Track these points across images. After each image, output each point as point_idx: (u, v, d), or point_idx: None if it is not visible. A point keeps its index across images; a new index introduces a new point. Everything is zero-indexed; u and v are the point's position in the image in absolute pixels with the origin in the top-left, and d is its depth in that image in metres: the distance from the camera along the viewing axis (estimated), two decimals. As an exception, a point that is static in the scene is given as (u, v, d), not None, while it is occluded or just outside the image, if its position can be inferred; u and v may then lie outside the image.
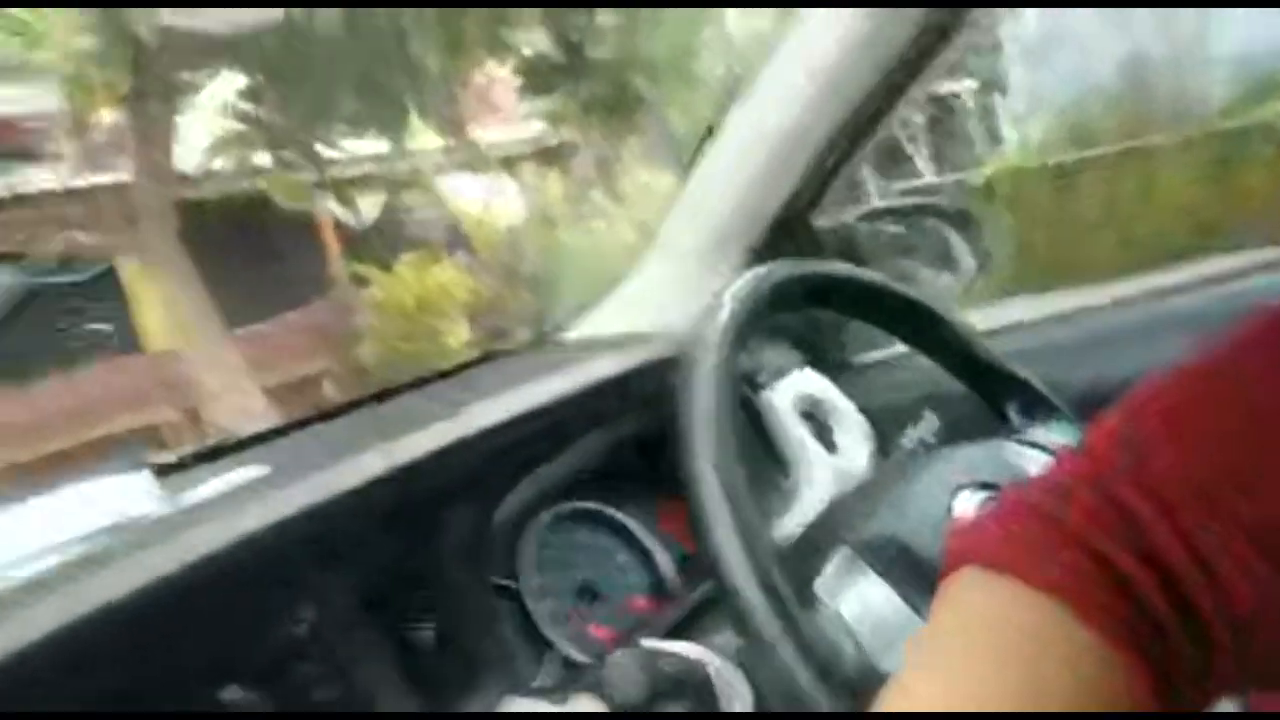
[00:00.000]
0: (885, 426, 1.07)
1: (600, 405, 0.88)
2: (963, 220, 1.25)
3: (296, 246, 6.93)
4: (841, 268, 0.72)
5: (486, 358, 1.07)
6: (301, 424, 0.96)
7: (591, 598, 0.88)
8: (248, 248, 6.53)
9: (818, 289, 0.70)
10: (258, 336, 6.15)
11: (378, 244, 6.91)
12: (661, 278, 1.09)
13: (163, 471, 0.75)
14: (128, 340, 6.21)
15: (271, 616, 0.61)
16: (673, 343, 0.92)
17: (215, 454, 0.84)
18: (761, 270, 0.66)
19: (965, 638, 0.36)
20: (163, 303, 5.69)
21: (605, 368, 0.88)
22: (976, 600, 0.37)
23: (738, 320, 0.60)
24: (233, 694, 0.59)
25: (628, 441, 0.94)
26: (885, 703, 0.36)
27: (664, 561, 0.92)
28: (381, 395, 1.00)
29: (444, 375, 1.05)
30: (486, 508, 0.76)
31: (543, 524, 0.87)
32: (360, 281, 6.80)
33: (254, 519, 0.58)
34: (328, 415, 0.96)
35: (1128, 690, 0.34)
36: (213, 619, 0.58)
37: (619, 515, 0.93)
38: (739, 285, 0.64)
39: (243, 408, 5.13)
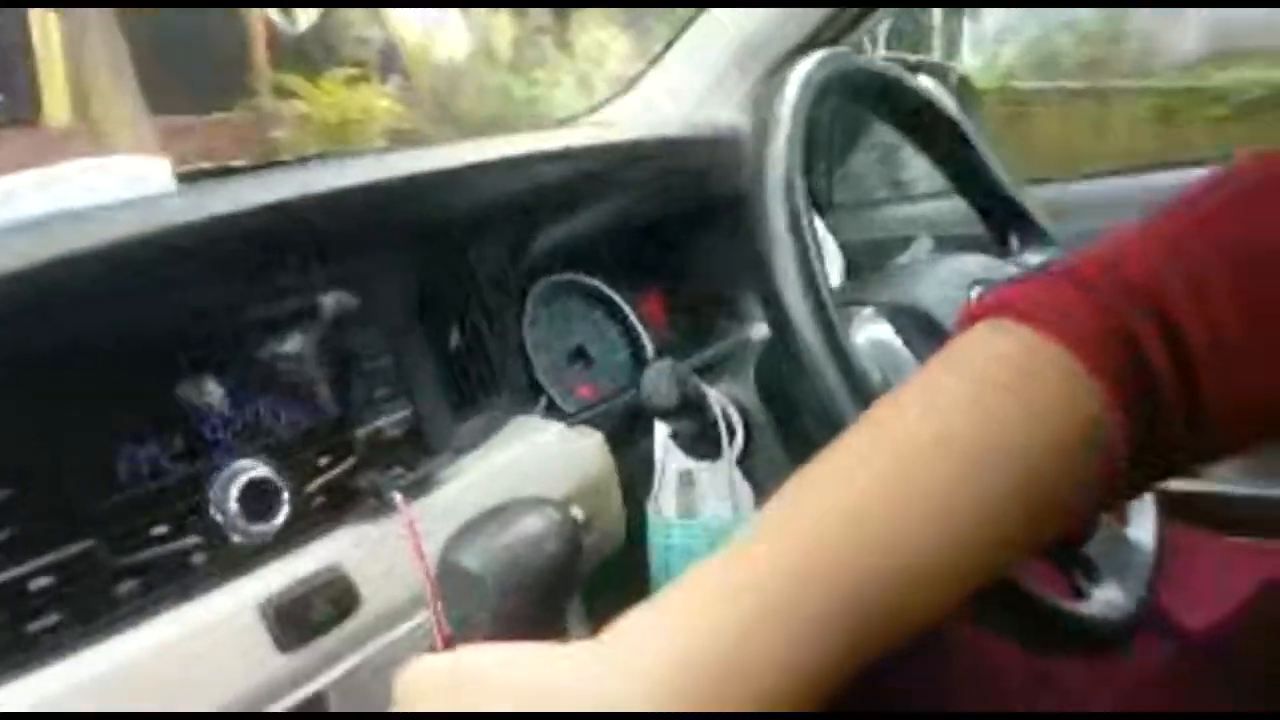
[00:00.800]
0: (867, 260, 1.13)
1: (610, 177, 0.87)
2: (963, 89, 1.30)
3: (228, 47, 6.49)
4: (895, 70, 0.75)
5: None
6: (311, 157, 0.94)
7: (584, 362, 0.92)
8: (176, 40, 6.07)
9: (871, 86, 0.73)
10: (177, 129, 5.79)
11: (309, 56, 6.54)
12: (662, 94, 1.10)
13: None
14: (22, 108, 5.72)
15: (314, 286, 0.61)
16: (693, 128, 0.93)
17: (225, 172, 0.82)
18: (827, 53, 0.68)
19: (962, 368, 0.38)
20: (81, 75, 5.25)
21: (625, 139, 0.87)
22: (979, 341, 0.39)
23: (810, 87, 0.63)
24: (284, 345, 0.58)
25: (627, 222, 0.97)
26: (870, 417, 0.38)
27: (645, 338, 0.97)
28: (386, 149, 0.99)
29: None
30: (512, 246, 0.79)
31: (544, 287, 0.91)
32: (285, 93, 6.45)
33: (287, 191, 0.57)
34: (338, 154, 0.94)
35: (1108, 440, 0.36)
36: (251, 276, 0.57)
37: (610, 292, 0.97)
38: (807, 62, 0.66)
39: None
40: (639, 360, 0.97)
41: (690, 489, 0.74)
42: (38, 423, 0.46)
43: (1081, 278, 0.39)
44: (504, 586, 0.51)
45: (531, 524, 0.53)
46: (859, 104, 0.76)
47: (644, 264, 1.02)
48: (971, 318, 0.40)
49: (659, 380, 0.62)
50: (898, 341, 0.63)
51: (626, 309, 0.97)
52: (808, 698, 0.33)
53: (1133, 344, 0.37)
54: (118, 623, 0.46)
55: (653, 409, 0.63)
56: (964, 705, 0.70)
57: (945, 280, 0.71)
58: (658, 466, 0.74)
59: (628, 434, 0.79)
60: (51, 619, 0.44)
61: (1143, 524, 0.74)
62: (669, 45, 1.13)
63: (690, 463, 0.73)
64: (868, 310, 0.65)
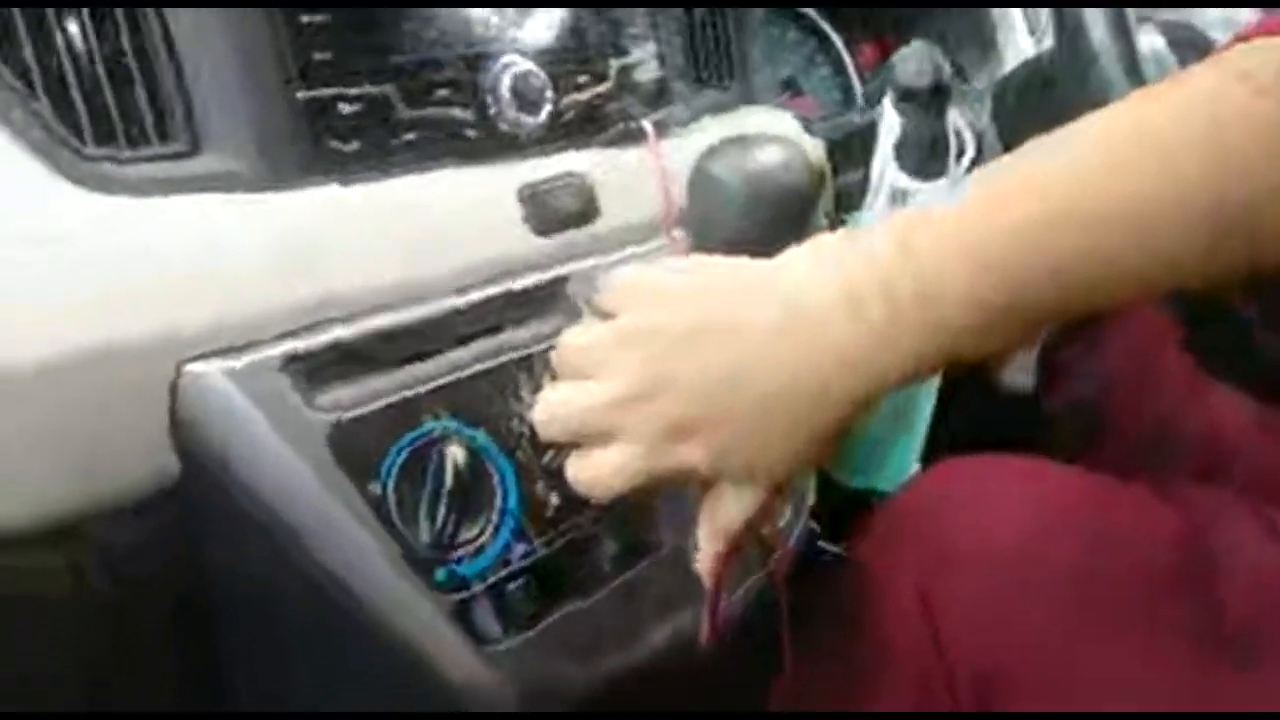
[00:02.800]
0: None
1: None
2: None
3: None
4: None
5: None
6: None
7: (794, 93, 0.91)
8: None
9: None
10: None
11: None
12: None
13: None
14: None
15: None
16: None
17: None
18: None
19: (1206, 88, 0.36)
20: None
21: None
22: (1238, 54, 0.37)
23: None
24: None
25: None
26: (1106, 113, 0.37)
27: (856, 83, 0.95)
28: None
29: None
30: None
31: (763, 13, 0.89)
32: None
33: None
34: None
35: None
36: None
37: (828, 28, 0.94)
38: None
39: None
40: (849, 103, 0.95)
41: (902, 206, 0.73)
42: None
43: None
44: (750, 199, 0.52)
45: (778, 151, 0.54)
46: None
47: (867, 11, 0.98)
48: (1241, 37, 0.38)
49: (914, 57, 0.61)
50: (1170, 54, 0.61)
51: (842, 49, 0.95)
52: (984, 340, 0.36)
53: None
54: (404, 165, 0.50)
55: (902, 88, 0.63)
56: (1179, 436, 0.70)
57: (1224, 10, 0.67)
58: (874, 180, 0.73)
59: (844, 155, 0.78)
60: (353, 145, 0.48)
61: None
62: None
63: (908, 181, 0.73)
64: (1148, 25, 0.63)
